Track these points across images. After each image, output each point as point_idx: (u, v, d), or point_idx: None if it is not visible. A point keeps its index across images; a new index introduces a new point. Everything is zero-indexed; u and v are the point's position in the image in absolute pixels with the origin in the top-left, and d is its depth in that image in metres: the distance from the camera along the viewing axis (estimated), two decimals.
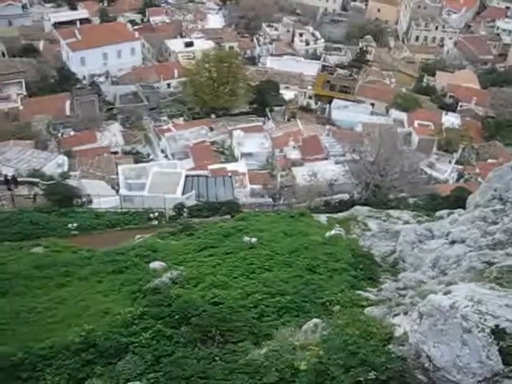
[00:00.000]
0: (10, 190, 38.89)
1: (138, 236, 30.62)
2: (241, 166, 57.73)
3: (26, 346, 17.60)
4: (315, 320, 16.67)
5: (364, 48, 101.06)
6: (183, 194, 40.35)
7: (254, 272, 22.95)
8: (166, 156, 67.96)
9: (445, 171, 65.06)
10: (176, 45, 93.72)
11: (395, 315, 15.26)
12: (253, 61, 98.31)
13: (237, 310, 18.97)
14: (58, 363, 16.86)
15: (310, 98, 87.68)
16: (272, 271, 22.92)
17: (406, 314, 14.84)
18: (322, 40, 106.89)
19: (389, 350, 13.70)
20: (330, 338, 14.81)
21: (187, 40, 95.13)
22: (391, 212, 32.47)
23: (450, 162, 67.49)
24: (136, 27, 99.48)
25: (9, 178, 39.71)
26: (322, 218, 31.51)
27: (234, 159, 65.90)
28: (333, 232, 27.10)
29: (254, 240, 25.69)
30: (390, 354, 13.55)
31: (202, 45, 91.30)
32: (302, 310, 19.55)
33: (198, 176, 45.10)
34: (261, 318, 19.06)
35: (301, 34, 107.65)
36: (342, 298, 19.19)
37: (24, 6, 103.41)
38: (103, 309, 20.40)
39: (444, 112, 79.56)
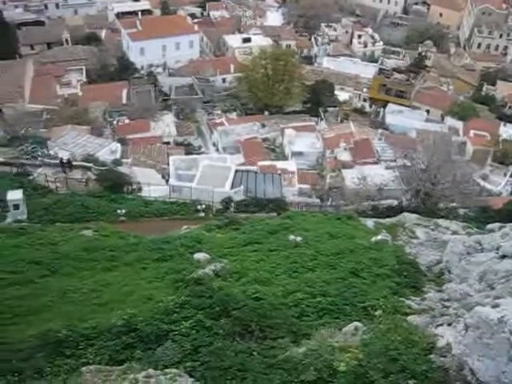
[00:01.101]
0: (64, 172, 39.98)
1: (184, 226, 31.02)
2: (290, 165, 57.69)
3: (71, 325, 18.09)
4: (356, 323, 16.56)
5: (423, 53, 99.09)
6: (232, 188, 40.54)
7: (296, 271, 22.94)
8: (217, 149, 68.48)
9: (499, 184, 63.20)
10: (234, 40, 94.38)
11: (438, 325, 14.98)
12: (309, 60, 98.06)
13: (277, 308, 18.99)
14: (99, 343, 17.28)
15: (365, 100, 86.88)
16: (315, 272, 22.83)
17: (449, 325, 14.55)
18: (381, 43, 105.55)
19: (430, 359, 13.45)
20: (370, 342, 14.66)
21: (245, 36, 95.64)
22: (440, 221, 31.76)
23: (504, 175, 65.49)
24: (195, 21, 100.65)
25: (64, 161, 40.76)
26: (369, 222, 31.15)
27: (285, 157, 65.90)
28: (379, 237, 26.79)
29: (299, 239, 25.63)
30: (431, 364, 13.30)
31: (260, 41, 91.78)
32: (343, 313, 19.39)
33: (248, 171, 45.06)
34: (301, 317, 19.05)
35: (359, 36, 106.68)
36: (385, 304, 18.91)
37: None
38: (146, 295, 20.74)
39: (502, 123, 77.37)
